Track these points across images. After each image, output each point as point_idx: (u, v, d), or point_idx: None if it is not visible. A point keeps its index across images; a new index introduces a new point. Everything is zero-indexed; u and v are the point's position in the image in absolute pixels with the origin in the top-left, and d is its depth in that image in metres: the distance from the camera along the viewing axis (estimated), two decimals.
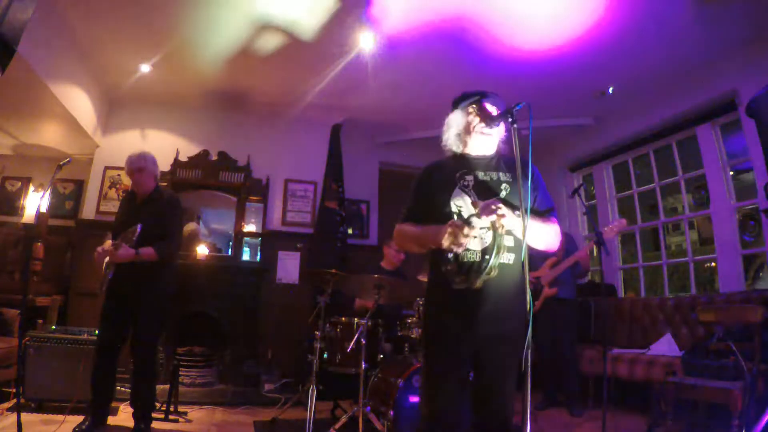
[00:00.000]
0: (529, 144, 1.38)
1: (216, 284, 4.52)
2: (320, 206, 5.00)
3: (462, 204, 1.58)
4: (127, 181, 4.49)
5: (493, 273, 1.44)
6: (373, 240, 5.50)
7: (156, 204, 2.80)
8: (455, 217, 1.57)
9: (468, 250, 1.50)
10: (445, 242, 1.44)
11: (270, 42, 3.79)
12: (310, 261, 4.81)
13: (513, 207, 1.51)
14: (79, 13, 3.47)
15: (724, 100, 3.80)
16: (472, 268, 1.49)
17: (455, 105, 1.74)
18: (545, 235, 1.59)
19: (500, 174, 1.62)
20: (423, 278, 3.25)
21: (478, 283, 1.47)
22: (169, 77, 4.44)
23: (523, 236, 1.31)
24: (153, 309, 2.76)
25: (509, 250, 1.53)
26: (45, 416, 2.90)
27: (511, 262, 1.53)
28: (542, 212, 1.65)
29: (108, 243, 2.71)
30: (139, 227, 2.57)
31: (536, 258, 3.66)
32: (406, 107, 4.91)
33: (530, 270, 3.81)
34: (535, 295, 3.69)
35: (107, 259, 2.64)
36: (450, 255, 1.51)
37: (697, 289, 4.33)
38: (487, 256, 1.45)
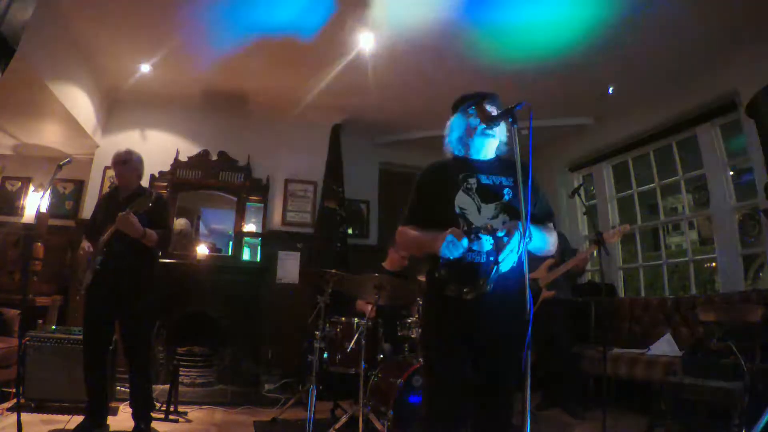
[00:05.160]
0: (529, 144, 1.38)
1: (216, 284, 4.51)
2: (320, 206, 5.00)
3: (465, 205, 1.58)
4: None
5: (487, 288, 1.46)
6: (373, 240, 5.49)
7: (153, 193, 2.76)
8: (459, 219, 1.57)
9: (464, 258, 1.49)
10: (442, 249, 1.44)
11: (270, 43, 3.78)
12: (310, 261, 4.81)
13: (515, 210, 1.52)
14: (79, 13, 3.46)
15: (724, 100, 3.80)
16: (466, 278, 1.49)
17: (455, 108, 1.74)
18: (546, 243, 1.61)
19: (502, 178, 1.62)
20: (423, 278, 3.25)
21: (470, 296, 1.47)
22: (169, 77, 4.43)
23: (524, 237, 1.32)
24: (142, 305, 2.75)
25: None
26: (45, 416, 2.91)
27: (513, 263, 1.54)
28: (542, 217, 1.66)
29: (86, 243, 2.70)
30: (152, 196, 2.57)
31: (533, 259, 3.64)
32: (406, 107, 4.91)
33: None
34: (533, 297, 3.68)
35: (100, 242, 2.63)
36: (445, 262, 1.51)
37: (697, 289, 4.32)
38: (481, 279, 1.46)
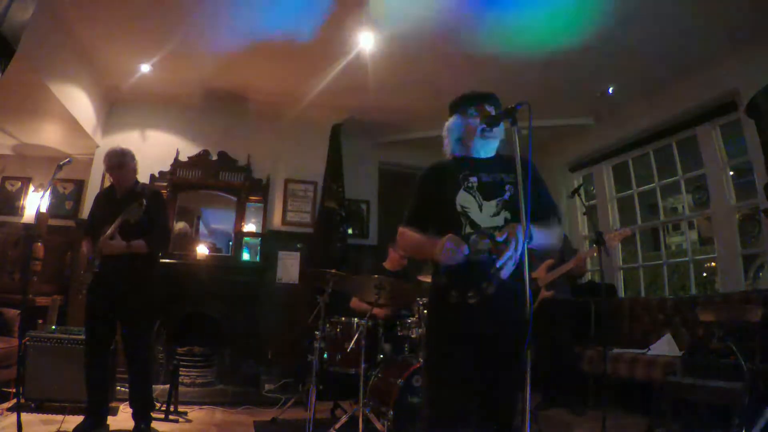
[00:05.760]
0: (530, 144, 1.38)
1: (216, 284, 4.51)
2: (320, 206, 5.00)
3: (467, 204, 1.58)
4: None
5: (490, 291, 1.44)
6: (373, 240, 5.49)
7: (139, 198, 2.73)
8: (461, 217, 1.57)
9: (464, 264, 1.47)
10: (441, 256, 1.44)
11: (270, 42, 3.78)
12: (310, 261, 4.81)
13: (517, 207, 1.52)
14: (79, 13, 3.46)
15: (724, 100, 3.80)
16: (468, 283, 1.48)
17: (454, 109, 1.73)
18: (548, 238, 1.59)
19: (503, 175, 1.62)
20: (424, 278, 3.25)
21: (473, 301, 1.46)
22: (169, 77, 4.43)
23: (524, 238, 1.31)
24: (142, 307, 2.75)
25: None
26: (45, 416, 2.90)
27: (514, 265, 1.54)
28: (545, 212, 1.65)
29: (85, 245, 2.71)
30: (145, 201, 2.57)
31: (533, 258, 3.64)
32: (406, 107, 4.91)
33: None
34: (532, 296, 3.67)
35: (97, 246, 2.62)
36: (445, 268, 1.50)
37: (697, 289, 4.32)
38: (484, 284, 1.44)
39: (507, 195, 1.58)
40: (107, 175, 4.63)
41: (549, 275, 3.64)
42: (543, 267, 3.67)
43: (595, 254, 3.69)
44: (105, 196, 2.93)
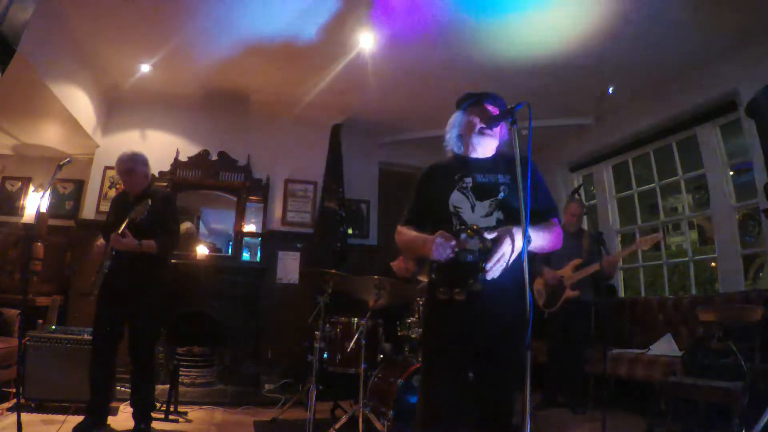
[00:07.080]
0: (529, 144, 1.38)
1: (216, 284, 4.51)
2: (320, 206, 5.00)
3: (459, 204, 1.59)
4: None
5: (477, 287, 1.44)
6: (373, 240, 5.49)
7: (147, 199, 2.76)
8: (453, 217, 1.58)
9: (454, 260, 1.47)
10: (432, 252, 1.44)
11: (270, 42, 3.78)
12: (310, 261, 4.81)
13: (510, 208, 1.52)
14: (79, 13, 3.46)
15: (724, 100, 3.80)
16: (456, 279, 1.48)
17: (458, 105, 1.75)
18: (545, 240, 1.59)
19: (499, 176, 1.63)
20: (423, 278, 3.25)
21: (460, 297, 1.46)
22: (169, 77, 4.43)
23: (523, 238, 1.31)
24: (150, 308, 2.76)
25: None
26: (45, 416, 2.90)
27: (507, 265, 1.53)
28: (543, 213, 1.65)
29: (101, 241, 2.72)
30: (150, 201, 2.57)
31: (562, 256, 3.64)
32: (406, 107, 4.91)
33: (553, 268, 3.70)
34: (557, 294, 3.67)
35: (108, 247, 2.63)
36: (436, 264, 1.51)
37: (697, 289, 4.32)
38: (471, 280, 1.43)
39: (501, 195, 1.59)
40: (107, 176, 4.70)
41: (575, 275, 3.63)
42: (570, 266, 3.66)
43: (629, 252, 3.68)
44: (118, 200, 2.97)
